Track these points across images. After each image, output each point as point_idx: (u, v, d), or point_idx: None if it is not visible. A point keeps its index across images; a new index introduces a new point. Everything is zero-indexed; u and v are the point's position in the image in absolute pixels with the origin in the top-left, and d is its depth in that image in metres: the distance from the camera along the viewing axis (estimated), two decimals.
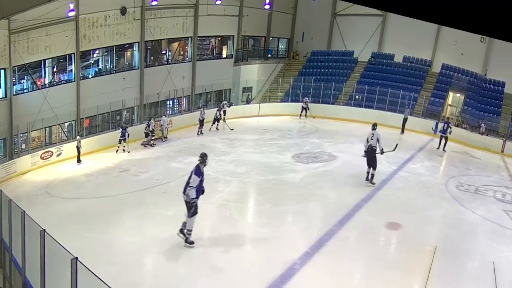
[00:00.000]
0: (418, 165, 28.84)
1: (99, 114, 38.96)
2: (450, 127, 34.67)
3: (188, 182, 15.37)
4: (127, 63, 42.18)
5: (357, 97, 47.10)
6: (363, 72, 50.91)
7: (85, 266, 8.47)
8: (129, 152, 31.12)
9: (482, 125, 41.43)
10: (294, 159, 28.01)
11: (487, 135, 41.09)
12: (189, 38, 45.54)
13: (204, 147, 29.46)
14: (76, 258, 8.47)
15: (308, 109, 43.58)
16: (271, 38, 55.99)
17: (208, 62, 48.14)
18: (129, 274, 13.62)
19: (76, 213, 19.96)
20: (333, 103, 47.34)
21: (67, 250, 9.01)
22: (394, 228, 18.33)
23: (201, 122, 36.32)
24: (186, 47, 46.21)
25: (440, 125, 36.11)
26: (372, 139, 23.59)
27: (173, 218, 17.31)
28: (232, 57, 50.91)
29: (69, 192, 24.12)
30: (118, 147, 31.69)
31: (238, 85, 50.78)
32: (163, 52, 44.87)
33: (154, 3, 40.15)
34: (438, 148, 34.32)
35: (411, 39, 51.01)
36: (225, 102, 40.47)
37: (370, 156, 23.71)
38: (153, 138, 33.40)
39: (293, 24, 57.16)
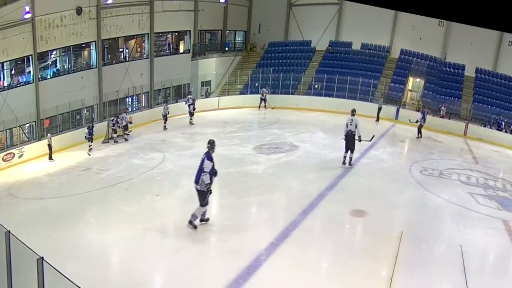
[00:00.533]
0: (381, 152, 28.86)
1: (59, 114, 38.55)
2: (425, 118, 35.13)
3: (200, 170, 15.56)
4: (84, 62, 41.78)
5: (316, 86, 47.18)
6: (322, 61, 51.05)
7: (51, 266, 8.28)
8: (91, 149, 30.65)
9: (443, 108, 41.67)
10: (255, 150, 27.85)
11: (449, 119, 41.35)
12: (146, 35, 45.34)
13: (165, 143, 29.42)
14: (42, 258, 8.29)
15: (266, 100, 43.44)
16: (227, 31, 55.93)
17: (166, 58, 48.00)
18: (96, 271, 13.35)
19: (41, 213, 19.64)
20: (292, 93, 47.40)
21: (32, 251, 8.81)
22: (359, 215, 18.24)
23: (165, 117, 36.08)
24: (143, 44, 45.95)
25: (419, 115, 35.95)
26: (351, 124, 24.21)
27: (137, 214, 17.44)
28: (189, 52, 50.73)
29: (32, 193, 23.72)
30: (90, 146, 31.03)
31: (197, 79, 50.66)
32: (120, 50, 44.54)
33: (110, 1, 39.95)
34: (418, 137, 34.98)
35: (368, 26, 51.39)
36: (190, 96, 40.22)
37: (349, 140, 24.32)
38: (127, 132, 33.35)
39: (249, 16, 57.27)
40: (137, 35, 44.77)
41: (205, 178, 15.37)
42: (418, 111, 42.37)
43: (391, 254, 14.86)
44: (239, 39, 58.31)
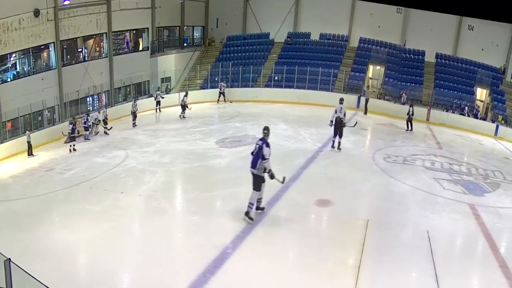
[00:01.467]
0: (344, 140, 28.55)
1: (20, 116, 38.18)
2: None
3: (257, 156, 15.91)
4: (44, 63, 41.43)
5: (276, 78, 47.10)
6: (281, 53, 51.10)
7: (19, 267, 8.21)
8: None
9: (403, 95, 41.90)
10: (218, 144, 27.69)
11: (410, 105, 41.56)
12: (104, 34, 45.16)
13: (127, 140, 29.19)
14: (9, 259, 8.19)
15: (224, 94, 43.22)
16: (185, 27, 55.99)
17: (125, 56, 47.84)
18: (63, 270, 13.12)
19: (6, 215, 19.29)
20: (252, 86, 47.33)
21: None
22: (324, 204, 18.18)
23: (134, 114, 35.88)
24: (101, 43, 45.73)
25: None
26: (340, 111, 25.55)
27: (101, 212, 17.22)
28: (148, 49, 50.66)
29: None
30: (73, 146, 30.48)
31: (157, 76, 50.72)
32: (79, 50, 44.19)
33: (67, 2, 39.74)
34: (407, 130, 35.07)
35: (326, 15, 52.07)
36: (158, 92, 40.07)
37: (338, 126, 25.65)
38: (107, 127, 33.56)
39: (206, 12, 57.38)
40: (95, 34, 44.47)
41: (267, 164, 15.83)
42: (380, 98, 42.72)
43: (358, 242, 14.82)
44: (197, 35, 58.36)
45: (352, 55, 49.81)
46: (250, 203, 16.13)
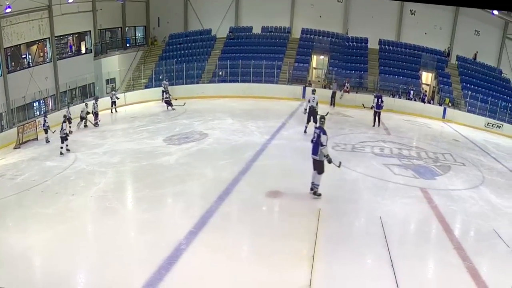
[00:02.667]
0: (291, 132, 28.86)
1: None
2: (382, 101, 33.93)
3: (317, 143, 17.23)
4: None
5: (220, 73, 46.93)
6: (223, 48, 50.89)
7: None
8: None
9: (347, 84, 42.02)
10: (166, 142, 27.44)
11: (356, 93, 41.86)
12: (47, 39, 44.43)
13: (75, 143, 28.63)
14: None
15: (168, 92, 42.83)
16: (127, 27, 55.35)
17: (69, 60, 47.04)
18: (20, 275, 12.89)
19: None
20: (197, 83, 47.01)
21: None
22: (275, 196, 18.15)
23: (96, 114, 35.23)
24: (45, 48, 45.00)
25: (374, 100, 34.35)
26: (313, 101, 27.50)
27: (54, 215, 16.93)
28: (91, 52, 50.06)
29: None
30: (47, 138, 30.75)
31: (101, 78, 49.89)
32: (23, 56, 43.46)
33: (8, 10, 38.86)
34: (374, 125, 33.27)
35: (267, 8, 52.20)
36: (113, 92, 39.64)
37: (312, 114, 27.32)
38: (97, 121, 33.62)
39: (147, 11, 56.81)
40: (38, 40, 43.77)
41: (324, 150, 17.17)
42: (325, 87, 42.85)
43: (311, 232, 14.80)
44: (140, 34, 57.83)
45: (295, 46, 49.83)
46: (316, 184, 17.80)
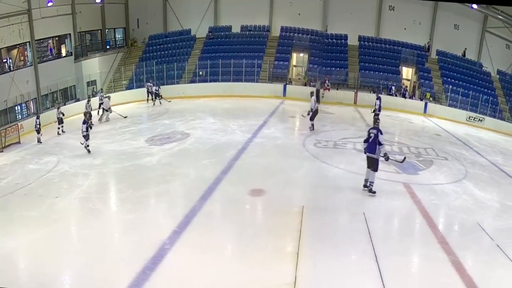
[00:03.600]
0: (273, 129, 28.87)
1: None
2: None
3: (374, 143, 18.11)
4: None
5: (200, 73, 46.91)
6: (203, 48, 50.92)
7: None
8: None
9: (327, 81, 42.04)
10: (148, 142, 27.34)
11: (337, 89, 41.92)
12: (28, 43, 44.35)
13: (58, 145, 28.56)
14: None
15: (152, 93, 42.59)
16: (107, 30, 55.37)
17: (50, 63, 46.96)
18: (6, 276, 12.73)
19: None
20: (178, 83, 46.92)
21: None
22: (258, 194, 18.10)
23: (90, 115, 34.79)
24: (25, 52, 44.92)
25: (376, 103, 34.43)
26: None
27: (39, 218, 16.81)
28: (72, 55, 49.90)
29: None
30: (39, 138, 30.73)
31: (82, 80, 49.89)
32: (4, 60, 43.35)
33: None
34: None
35: (246, 7, 52.38)
36: (102, 94, 39.41)
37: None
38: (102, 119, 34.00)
39: (126, 13, 56.82)
40: (19, 44, 43.69)
41: (383, 149, 18.11)
42: (306, 85, 42.98)
43: (294, 229, 14.82)
44: (119, 36, 57.84)
45: (275, 45, 49.97)
46: (370, 182, 18.50)
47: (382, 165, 22.05)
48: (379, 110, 32.90)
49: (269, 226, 15.50)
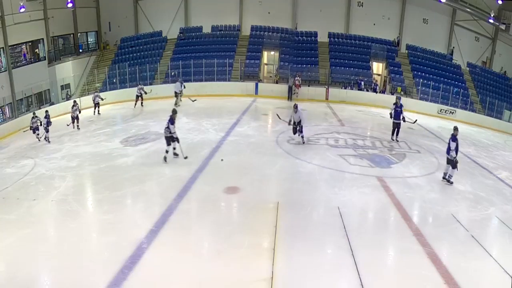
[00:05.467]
0: (246, 128, 28.85)
1: None
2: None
3: (449, 147, 20.47)
4: None
5: (173, 73, 46.69)
6: (175, 49, 50.95)
7: None
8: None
9: (297, 78, 42.11)
10: (122, 144, 27.18)
11: (308, 86, 42.02)
12: (1, 49, 44.29)
13: (34, 149, 28.24)
14: None
15: (145, 93, 42.20)
16: (79, 33, 55.18)
17: (24, 68, 46.83)
18: None
19: None
20: (151, 84, 46.57)
21: None
22: (233, 192, 18.10)
23: (77, 118, 34.05)
24: None
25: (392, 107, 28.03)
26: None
27: (16, 220, 16.66)
28: (45, 59, 49.84)
29: None
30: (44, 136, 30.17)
31: (56, 84, 49.55)
32: None
33: None
34: (392, 138, 28.05)
35: (216, 8, 52.83)
36: (97, 94, 39.11)
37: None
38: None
39: (98, 17, 56.71)
40: None
41: (453, 153, 20.15)
42: (277, 83, 43.11)
43: (270, 225, 14.89)
44: (92, 40, 57.55)
45: (246, 44, 50.09)
46: (449, 175, 20.47)
47: (355, 160, 22.50)
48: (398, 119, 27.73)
49: (245, 223, 15.58)
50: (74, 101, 34.67)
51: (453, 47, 49.88)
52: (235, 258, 13.00)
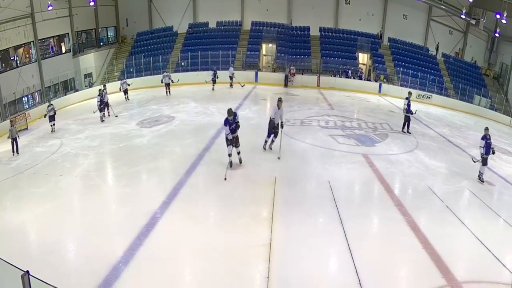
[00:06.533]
0: (247, 111, 28.77)
1: None
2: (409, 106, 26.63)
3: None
4: None
5: (183, 63, 46.67)
6: (184, 42, 50.90)
7: (37, 278, 7.76)
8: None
9: (292, 67, 42.04)
10: (138, 125, 27.16)
11: (302, 74, 41.99)
12: (32, 42, 44.64)
13: (60, 130, 28.30)
14: (27, 272, 7.77)
15: (172, 82, 41.68)
16: (100, 28, 55.20)
17: (51, 59, 47.18)
18: (16, 245, 12.78)
19: None
20: (163, 73, 46.49)
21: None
22: (236, 168, 18.07)
23: (107, 104, 33.31)
24: (30, 50, 45.08)
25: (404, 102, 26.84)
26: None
27: (45, 193, 16.88)
28: (70, 51, 50.00)
29: None
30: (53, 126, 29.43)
31: (80, 73, 50.11)
32: (11, 58, 43.49)
33: None
34: (403, 131, 26.08)
35: (220, 5, 52.89)
36: (124, 80, 38.97)
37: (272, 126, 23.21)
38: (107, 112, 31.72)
39: (117, 13, 56.69)
40: (24, 43, 44.01)
41: (481, 150, 19.27)
42: (274, 71, 43.09)
43: (269, 197, 14.99)
44: (111, 34, 57.59)
45: (247, 37, 50.17)
46: (481, 172, 19.18)
47: (343, 139, 22.56)
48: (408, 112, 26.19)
49: (247, 195, 15.61)
50: (104, 85, 34.31)
51: (438, 43, 49.74)
52: (237, 226, 13.09)
